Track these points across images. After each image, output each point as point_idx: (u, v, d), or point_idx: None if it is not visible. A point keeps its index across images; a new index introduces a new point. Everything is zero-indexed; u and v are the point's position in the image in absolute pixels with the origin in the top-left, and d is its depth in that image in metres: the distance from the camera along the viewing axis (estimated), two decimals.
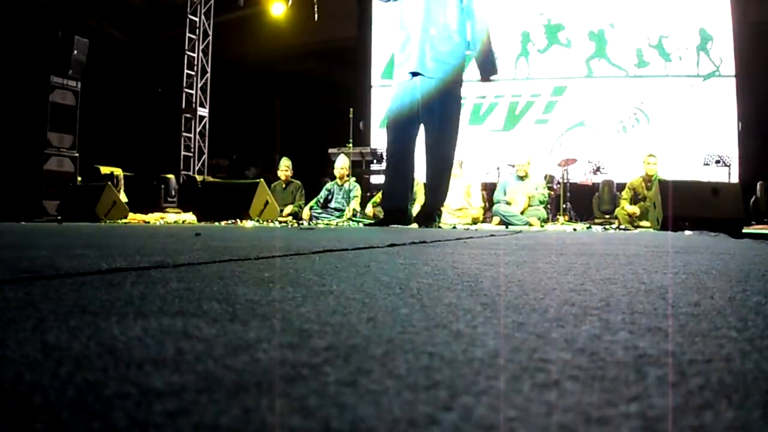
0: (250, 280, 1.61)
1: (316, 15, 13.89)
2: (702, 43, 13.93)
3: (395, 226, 5.68)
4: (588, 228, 9.50)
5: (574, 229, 8.63)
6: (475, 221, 10.90)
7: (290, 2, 14.73)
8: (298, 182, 11.91)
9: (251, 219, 8.64)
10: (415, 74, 5.56)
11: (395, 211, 5.77)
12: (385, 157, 6.09)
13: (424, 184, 10.24)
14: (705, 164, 12.52)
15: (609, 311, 1.20)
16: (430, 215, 5.82)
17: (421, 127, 5.79)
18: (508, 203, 10.82)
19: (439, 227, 5.84)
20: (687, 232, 6.88)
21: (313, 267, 2.06)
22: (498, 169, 13.24)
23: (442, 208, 6.83)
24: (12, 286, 1.43)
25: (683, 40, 14.01)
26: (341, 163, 11.57)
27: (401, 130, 5.51)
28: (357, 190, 11.49)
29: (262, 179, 9.26)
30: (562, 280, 1.74)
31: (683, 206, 7.56)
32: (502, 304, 1.28)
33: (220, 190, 9.71)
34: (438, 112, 5.63)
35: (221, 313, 1.13)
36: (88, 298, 1.28)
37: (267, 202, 9.09)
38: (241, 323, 1.03)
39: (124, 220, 10.12)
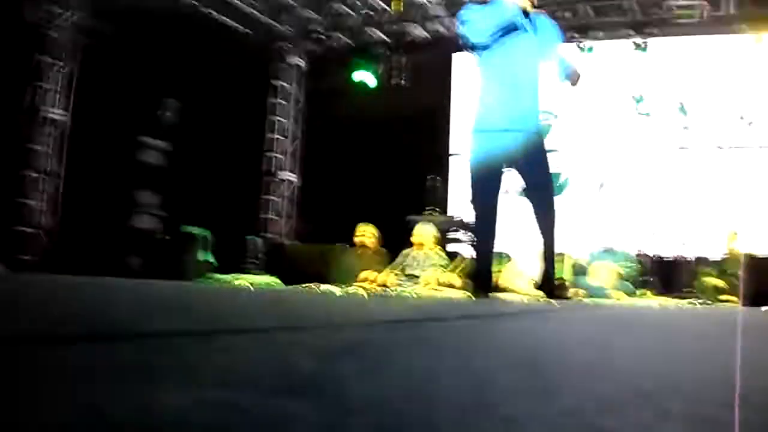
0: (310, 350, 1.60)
1: (402, 83, 14.12)
2: None
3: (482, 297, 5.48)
4: (678, 305, 9.32)
5: (659, 305, 8.44)
6: (557, 292, 10.71)
7: (380, 71, 14.96)
8: (383, 249, 11.89)
9: (335, 284, 8.59)
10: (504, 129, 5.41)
11: (483, 274, 5.68)
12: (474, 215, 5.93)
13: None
14: None
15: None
16: (551, 282, 5.74)
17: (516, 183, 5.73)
18: (590, 274, 10.68)
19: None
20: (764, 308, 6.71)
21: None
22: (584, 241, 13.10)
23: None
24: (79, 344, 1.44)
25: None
26: (421, 231, 11.52)
27: (489, 178, 5.43)
28: (437, 258, 11.41)
29: (346, 245, 9.27)
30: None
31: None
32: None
33: (304, 255, 9.74)
34: (539, 168, 5.58)
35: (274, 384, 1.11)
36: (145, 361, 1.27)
37: (350, 268, 9.09)
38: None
39: (209, 281, 10.22)
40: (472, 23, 5.15)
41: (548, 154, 5.69)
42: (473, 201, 5.62)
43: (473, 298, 5.52)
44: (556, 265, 10.91)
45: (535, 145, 5.46)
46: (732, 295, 9.62)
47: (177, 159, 12.73)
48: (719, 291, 10.18)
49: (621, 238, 11.38)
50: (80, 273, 10.33)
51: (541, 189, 5.55)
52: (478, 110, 5.48)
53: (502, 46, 5.27)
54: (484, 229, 5.62)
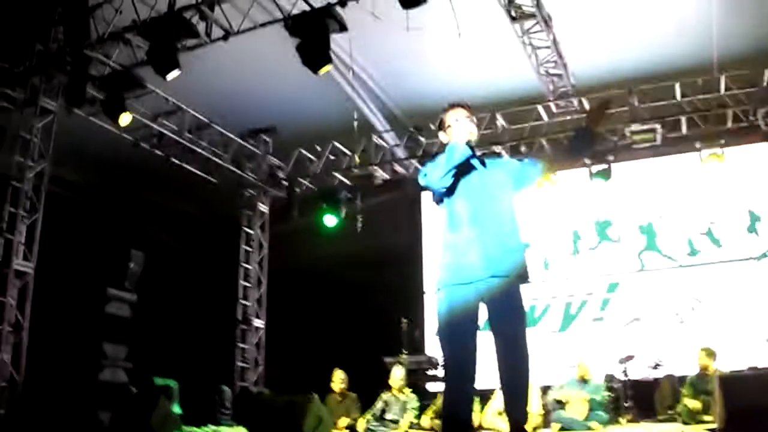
0: None
1: (359, 226, 14.34)
2: (752, 223, 13.96)
3: None
4: None
5: None
6: (535, 429, 10.64)
7: (343, 214, 15.14)
8: (354, 395, 11.85)
9: None
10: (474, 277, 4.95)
11: (457, 422, 5.17)
12: (444, 368, 5.38)
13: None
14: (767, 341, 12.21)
15: None
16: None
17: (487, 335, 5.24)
18: (561, 403, 10.66)
19: None
20: None
21: None
22: (556, 372, 13.02)
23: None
24: None
25: (732, 224, 14.05)
26: (398, 375, 11.50)
27: (462, 329, 5.08)
28: (413, 402, 11.35)
29: (315, 395, 9.15)
30: None
31: (744, 399, 7.32)
32: None
33: (271, 406, 9.57)
34: (508, 316, 4.99)
35: None
36: None
37: (321, 420, 8.96)
38: None
39: None
40: (429, 174, 5.14)
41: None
42: (445, 349, 5.09)
43: None
44: (531, 399, 10.93)
45: (510, 288, 4.98)
46: (708, 414, 9.55)
47: (146, 310, 12.72)
48: (696, 412, 10.12)
49: (592, 365, 11.32)
50: (48, 428, 10.18)
51: (510, 335, 5.00)
52: (443, 260, 5.09)
53: (462, 185, 5.07)
54: (458, 374, 5.07)
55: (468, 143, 5.05)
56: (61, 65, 11.34)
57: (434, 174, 4.97)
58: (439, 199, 5.12)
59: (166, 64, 10.50)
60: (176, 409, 12.19)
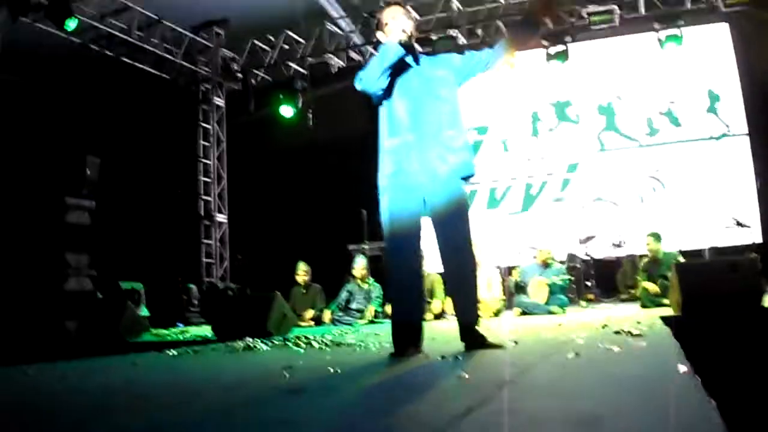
0: None
1: (310, 122, 14.22)
2: (711, 104, 13.92)
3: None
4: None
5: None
6: (496, 313, 10.82)
7: (300, 104, 14.97)
8: (318, 286, 11.89)
9: (270, 334, 8.44)
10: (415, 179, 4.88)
11: (408, 326, 4.97)
12: (386, 263, 5.20)
13: (443, 280, 10.29)
14: (726, 227, 12.39)
15: None
16: (472, 332, 4.80)
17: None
18: (523, 288, 10.87)
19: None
20: None
21: None
22: (519, 253, 13.17)
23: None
24: None
25: (692, 104, 14.00)
26: (360, 264, 11.57)
27: (405, 236, 4.96)
28: (377, 291, 11.44)
29: (277, 292, 9.13)
30: None
31: (701, 287, 7.45)
32: None
33: (235, 305, 9.57)
34: (450, 213, 4.89)
35: None
36: None
37: (285, 315, 8.97)
38: None
39: (147, 337, 10.13)
40: (363, 78, 4.94)
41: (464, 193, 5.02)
42: (390, 258, 4.96)
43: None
44: (492, 283, 11.08)
45: (452, 190, 4.89)
46: (666, 297, 9.70)
47: (107, 214, 12.63)
48: (655, 294, 10.30)
49: (552, 249, 11.46)
50: (15, 341, 10.17)
51: (453, 237, 4.88)
52: (384, 166, 4.97)
53: (399, 87, 4.95)
54: (406, 285, 4.88)
55: (407, 42, 4.89)
56: None
57: (368, 77, 4.82)
58: (378, 103, 5.04)
59: None
60: (144, 311, 12.29)
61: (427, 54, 5.21)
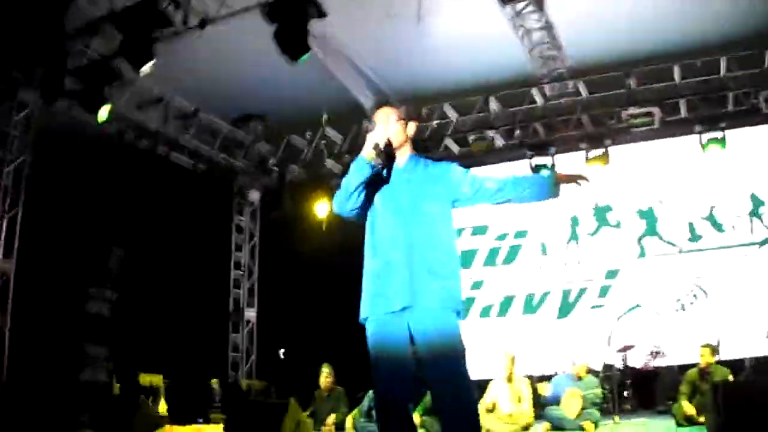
0: None
1: (323, 226, 14.07)
2: (754, 209, 13.55)
3: None
4: None
5: None
6: (526, 427, 10.33)
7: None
8: (341, 389, 11.53)
9: None
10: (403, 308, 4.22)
11: None
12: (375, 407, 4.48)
13: None
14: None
15: None
16: None
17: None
18: (555, 402, 10.37)
19: None
20: None
21: None
22: (554, 362, 12.78)
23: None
24: None
25: (734, 209, 13.63)
26: None
27: (389, 365, 4.28)
28: None
29: (292, 399, 8.86)
30: None
31: (742, 414, 6.93)
32: None
33: (249, 411, 9.29)
34: (441, 358, 4.21)
35: None
36: None
37: (299, 423, 8.69)
38: None
39: None
40: (336, 198, 4.38)
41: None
42: (375, 388, 4.41)
43: None
44: (523, 395, 10.62)
45: (441, 322, 4.20)
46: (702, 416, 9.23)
47: (135, 304, 12.51)
48: (690, 416, 9.82)
49: (587, 362, 10.98)
50: (29, 428, 9.97)
51: (445, 382, 4.20)
52: (366, 289, 4.38)
53: (384, 200, 4.40)
54: (391, 417, 4.30)
55: (377, 156, 4.30)
56: (39, 58, 11.00)
57: (338, 199, 4.36)
58: (361, 221, 4.52)
59: (140, 56, 10.16)
60: (163, 406, 12.01)
61: (426, 160, 4.62)
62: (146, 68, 10.16)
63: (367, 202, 4.38)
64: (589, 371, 11.10)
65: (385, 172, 4.42)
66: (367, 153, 4.30)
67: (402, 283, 4.19)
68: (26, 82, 11.37)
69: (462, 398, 4.17)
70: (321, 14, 9.71)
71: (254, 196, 16.43)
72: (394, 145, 4.43)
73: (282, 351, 15.61)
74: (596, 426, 9.97)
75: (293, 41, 9.83)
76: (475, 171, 4.65)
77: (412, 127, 4.54)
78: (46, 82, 10.91)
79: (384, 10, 10.89)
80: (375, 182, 4.37)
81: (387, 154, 4.35)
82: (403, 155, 4.51)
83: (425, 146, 14.17)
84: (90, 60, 11.27)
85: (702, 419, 9.16)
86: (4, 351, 10.61)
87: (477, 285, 15.30)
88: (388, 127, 4.39)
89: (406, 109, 4.58)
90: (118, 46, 10.34)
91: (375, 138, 4.32)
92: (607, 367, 12.39)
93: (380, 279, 4.24)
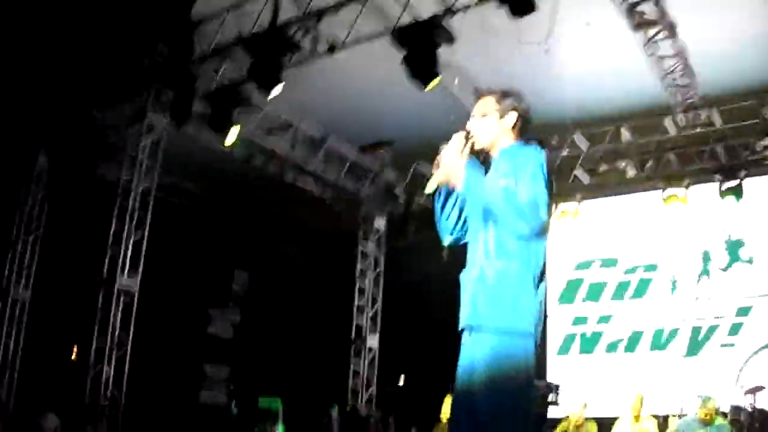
0: None
1: (445, 255, 13.79)
2: None
3: None
4: None
5: None
6: None
7: None
8: None
9: None
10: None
11: None
12: None
13: None
14: None
15: None
16: None
17: None
18: None
19: None
20: None
21: None
22: (682, 401, 12.27)
23: None
24: None
25: None
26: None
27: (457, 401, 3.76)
28: None
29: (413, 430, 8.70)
30: None
31: None
32: None
33: None
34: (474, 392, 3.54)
35: None
36: None
37: None
38: None
39: None
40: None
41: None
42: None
43: None
44: None
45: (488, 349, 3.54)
46: None
47: (258, 326, 12.60)
48: None
49: (717, 404, 10.43)
50: None
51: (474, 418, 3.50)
52: None
53: (470, 216, 3.90)
54: None
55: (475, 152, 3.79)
56: (168, 81, 11.23)
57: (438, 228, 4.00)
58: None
59: (269, 80, 10.28)
60: (280, 429, 12.02)
61: (524, 147, 3.88)
62: (275, 92, 10.28)
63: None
64: (718, 413, 10.63)
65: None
66: (432, 179, 3.82)
67: (463, 299, 3.74)
68: (155, 105, 11.58)
69: None
70: (450, 40, 9.65)
71: (380, 223, 16.35)
72: (484, 143, 3.86)
73: (402, 377, 15.41)
74: None
75: (422, 67, 9.79)
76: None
77: (511, 117, 3.86)
78: (176, 105, 11.14)
79: (514, 37, 10.71)
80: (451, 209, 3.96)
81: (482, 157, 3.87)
82: (497, 151, 3.89)
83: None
84: (219, 84, 11.44)
85: None
86: (125, 370, 10.79)
87: (605, 319, 14.90)
88: (476, 127, 3.84)
89: (502, 95, 3.91)
90: (247, 70, 10.49)
91: (440, 161, 3.78)
92: (736, 410, 11.85)
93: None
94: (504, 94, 3.91)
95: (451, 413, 3.75)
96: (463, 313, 3.69)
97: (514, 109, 3.86)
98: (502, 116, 3.85)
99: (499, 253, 3.59)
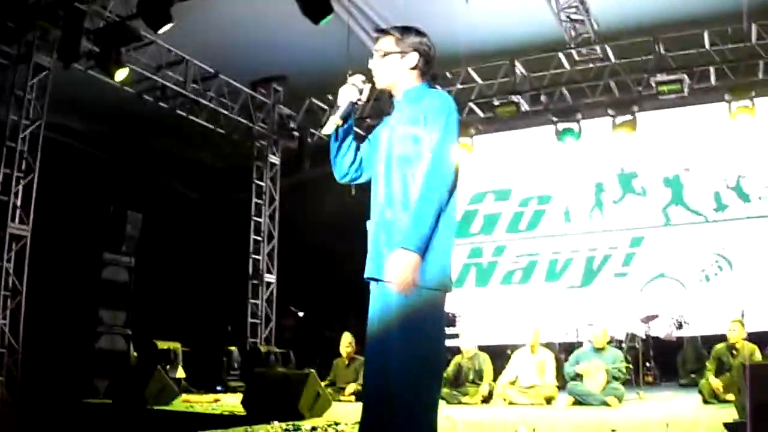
0: None
1: (353, 190, 13.77)
2: None
3: None
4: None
5: None
6: (548, 400, 10.15)
7: None
8: (362, 358, 11.38)
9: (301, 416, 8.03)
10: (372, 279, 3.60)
11: None
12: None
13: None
14: None
15: None
16: None
17: None
18: (579, 375, 10.07)
19: None
20: None
21: None
22: (577, 330, 12.59)
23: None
24: None
25: (762, 178, 13.26)
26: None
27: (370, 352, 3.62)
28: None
29: (312, 371, 8.69)
30: None
31: None
32: None
33: (268, 381, 9.12)
34: (387, 340, 3.46)
35: None
36: None
37: (318, 395, 8.53)
38: None
39: (175, 404, 9.75)
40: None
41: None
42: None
43: None
44: (547, 367, 10.42)
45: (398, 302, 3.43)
46: (730, 393, 8.99)
47: (153, 271, 12.40)
48: (717, 392, 9.54)
49: (609, 332, 10.72)
50: (46, 394, 9.95)
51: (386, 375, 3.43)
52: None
53: (371, 162, 3.83)
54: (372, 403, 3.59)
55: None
56: (55, 20, 10.81)
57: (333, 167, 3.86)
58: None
59: (158, 18, 10.01)
60: (180, 372, 11.94)
61: (427, 90, 3.76)
62: (164, 29, 10.05)
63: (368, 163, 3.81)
64: (612, 341, 10.93)
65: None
66: (331, 117, 3.71)
67: (370, 249, 3.63)
68: (42, 45, 11.14)
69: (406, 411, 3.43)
70: None
71: (274, 159, 16.18)
72: (385, 84, 3.76)
73: (301, 313, 15.43)
74: (620, 401, 9.74)
75: (315, 3, 9.66)
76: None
77: (413, 57, 3.71)
78: (63, 44, 10.75)
79: None
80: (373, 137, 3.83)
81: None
82: (401, 92, 3.77)
83: None
84: (107, 22, 11.09)
85: (729, 396, 8.92)
86: (21, 318, 10.51)
87: (499, 251, 15.15)
88: (376, 67, 3.72)
89: (403, 33, 3.74)
90: (136, 7, 10.20)
91: (342, 95, 3.70)
92: (630, 337, 12.24)
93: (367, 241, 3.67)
94: (404, 32, 3.75)
95: (366, 362, 3.61)
96: (370, 264, 3.58)
97: (416, 48, 3.71)
98: (403, 56, 3.71)
99: (406, 203, 3.49)
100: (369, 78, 3.75)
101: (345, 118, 3.72)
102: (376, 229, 3.58)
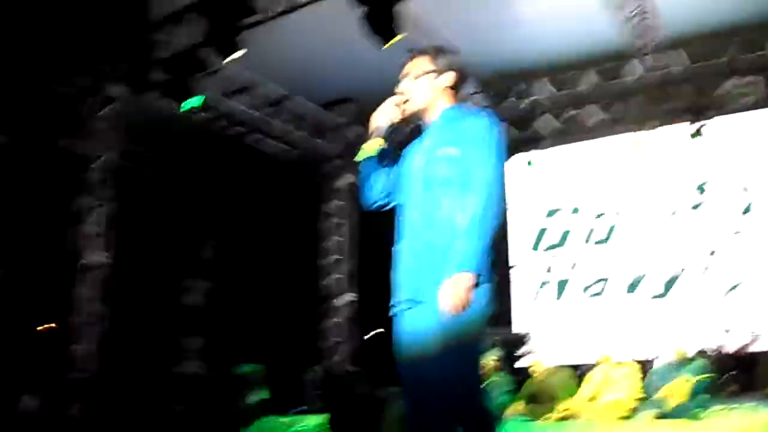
0: None
1: None
2: None
3: None
4: None
5: None
6: (630, 415, 9.89)
7: None
8: None
9: None
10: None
11: None
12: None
13: None
14: None
15: None
16: None
17: None
18: (661, 389, 9.92)
19: None
20: None
21: None
22: (656, 345, 12.40)
23: None
24: None
25: None
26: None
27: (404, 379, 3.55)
28: (505, 386, 10.86)
29: (395, 388, 8.64)
30: None
31: None
32: None
33: (349, 400, 9.07)
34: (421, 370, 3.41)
35: None
36: None
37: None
38: None
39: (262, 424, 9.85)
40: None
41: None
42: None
43: None
44: (627, 382, 10.23)
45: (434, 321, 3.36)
46: None
47: (225, 296, 12.49)
48: None
49: (690, 339, 10.52)
50: (127, 419, 10.11)
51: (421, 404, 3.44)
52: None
53: (403, 188, 3.78)
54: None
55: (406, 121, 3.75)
56: (124, 51, 11.04)
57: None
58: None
59: (227, 45, 10.17)
60: (262, 395, 11.99)
61: (463, 111, 3.71)
62: (233, 57, 10.19)
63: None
64: (693, 353, 10.71)
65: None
66: (366, 144, 3.81)
67: (402, 271, 3.63)
68: (112, 76, 11.36)
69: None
70: None
71: (348, 179, 16.19)
72: (421, 105, 3.71)
73: (375, 332, 15.35)
74: (705, 415, 9.51)
75: (383, 24, 9.71)
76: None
77: (448, 76, 3.69)
78: (133, 74, 10.96)
79: None
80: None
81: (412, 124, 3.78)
82: (437, 113, 3.70)
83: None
84: (176, 51, 11.28)
85: None
86: (100, 344, 10.70)
87: (573, 266, 14.91)
88: (410, 88, 3.70)
89: (437, 53, 3.72)
90: (204, 36, 10.36)
91: (374, 121, 3.80)
92: (711, 350, 11.99)
93: (395, 267, 3.69)
94: (438, 52, 3.73)
95: (403, 384, 3.54)
96: (404, 286, 3.58)
97: (451, 67, 3.71)
98: (437, 76, 3.69)
99: (452, 226, 3.44)
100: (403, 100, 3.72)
101: (385, 139, 3.75)
102: (414, 252, 3.55)
